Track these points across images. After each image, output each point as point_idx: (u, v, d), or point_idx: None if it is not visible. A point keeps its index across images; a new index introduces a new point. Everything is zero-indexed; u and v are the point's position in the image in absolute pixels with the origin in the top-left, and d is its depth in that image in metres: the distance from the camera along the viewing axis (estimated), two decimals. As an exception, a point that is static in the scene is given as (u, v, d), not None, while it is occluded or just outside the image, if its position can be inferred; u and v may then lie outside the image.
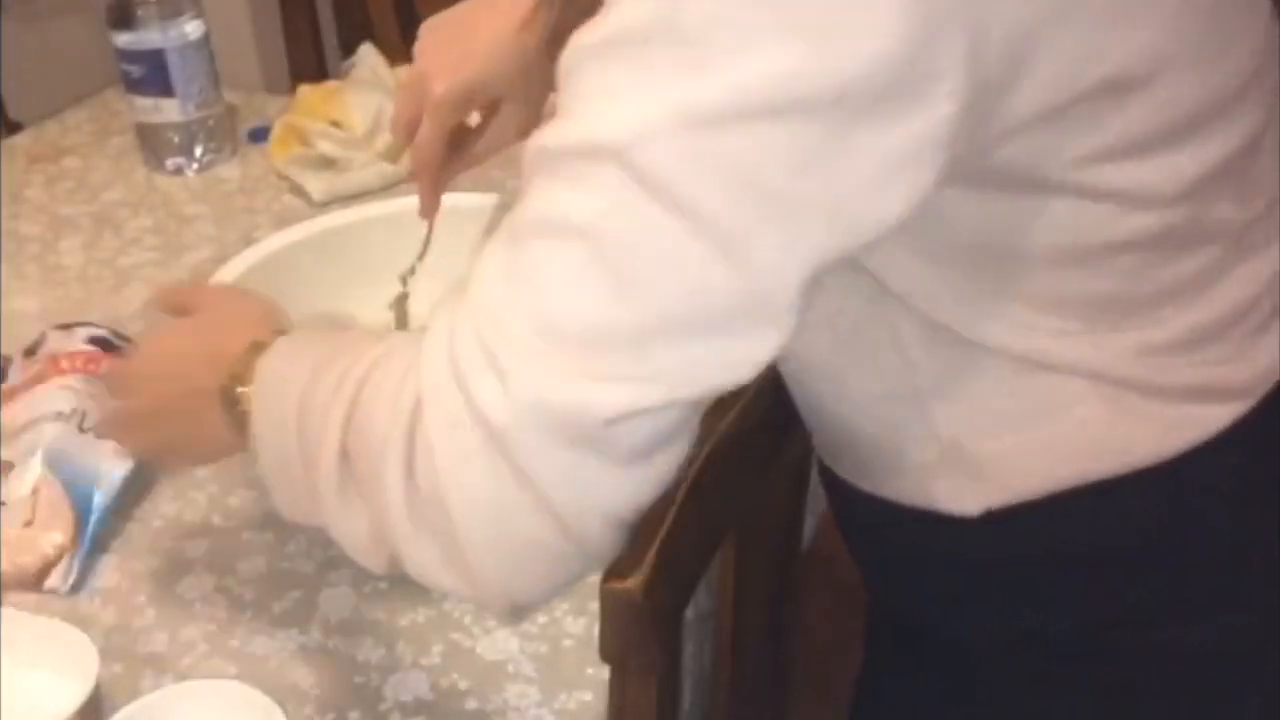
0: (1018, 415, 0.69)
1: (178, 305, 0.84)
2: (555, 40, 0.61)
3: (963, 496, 0.72)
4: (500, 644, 0.86)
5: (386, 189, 1.40)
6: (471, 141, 1.00)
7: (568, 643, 0.86)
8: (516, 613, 0.68)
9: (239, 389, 0.72)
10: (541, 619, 0.87)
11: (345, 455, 0.65)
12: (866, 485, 0.77)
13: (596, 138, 0.57)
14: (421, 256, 1.04)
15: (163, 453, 0.85)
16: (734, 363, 0.59)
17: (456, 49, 0.96)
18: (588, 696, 0.82)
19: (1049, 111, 0.60)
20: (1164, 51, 0.61)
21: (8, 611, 0.87)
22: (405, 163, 1.42)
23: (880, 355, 0.70)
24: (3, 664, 0.83)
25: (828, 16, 0.53)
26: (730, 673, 0.94)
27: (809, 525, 1.11)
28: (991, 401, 0.69)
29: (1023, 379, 0.68)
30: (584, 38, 0.58)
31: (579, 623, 0.87)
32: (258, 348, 0.73)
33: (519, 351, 0.58)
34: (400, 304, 1.05)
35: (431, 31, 0.98)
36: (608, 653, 0.71)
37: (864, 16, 0.53)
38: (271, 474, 0.72)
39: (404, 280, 1.05)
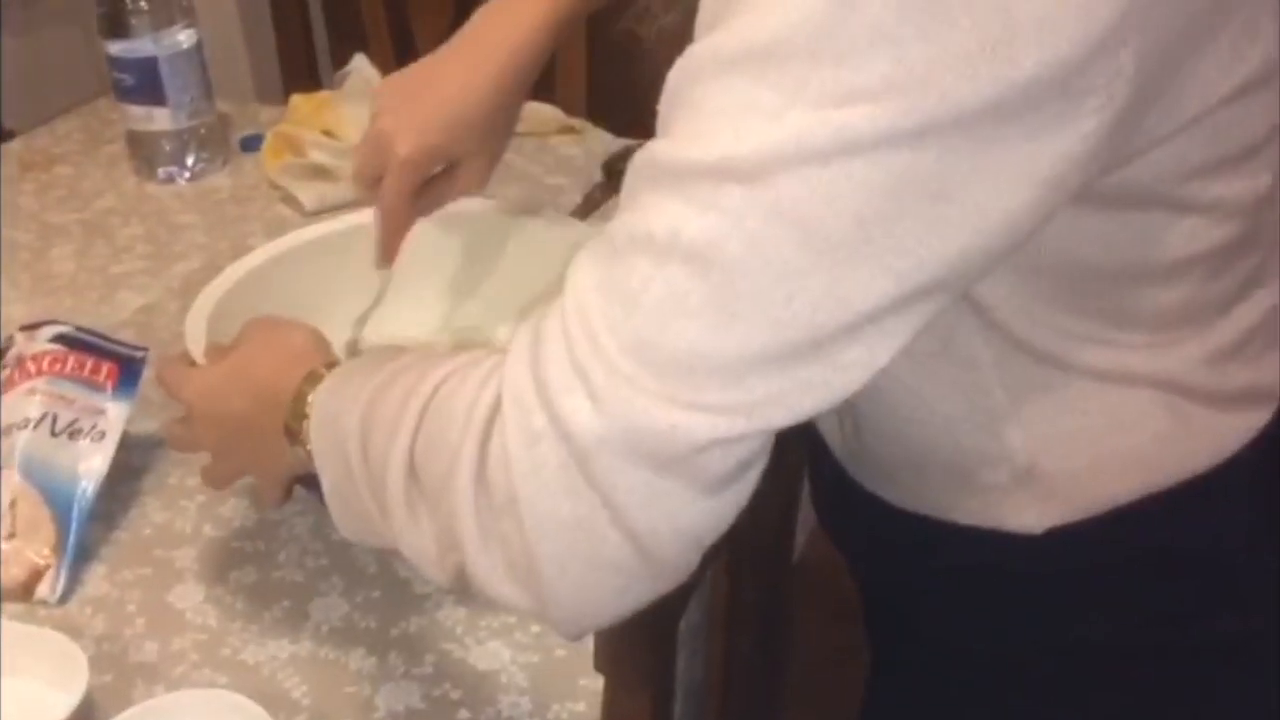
0: (1090, 433, 0.70)
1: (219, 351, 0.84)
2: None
3: (1027, 515, 0.73)
4: (492, 654, 0.86)
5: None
6: (429, 191, 1.00)
7: (560, 653, 0.85)
8: (579, 634, 0.66)
9: (302, 423, 0.73)
10: (534, 629, 0.87)
11: (413, 468, 0.64)
12: (923, 506, 0.77)
13: (726, 159, 0.54)
14: (377, 304, 1.04)
15: (234, 477, 0.86)
16: (830, 389, 0.57)
17: (421, 108, 0.94)
18: (580, 707, 0.82)
19: (1185, 124, 0.60)
20: (1276, 59, 0.62)
21: (-3, 621, 0.87)
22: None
23: (960, 375, 0.70)
24: (-8, 673, 0.82)
25: (996, 27, 0.51)
26: (722, 685, 0.95)
27: (799, 540, 1.11)
28: (1066, 421, 0.70)
29: (1096, 395, 0.69)
30: (710, 46, 0.55)
31: (571, 633, 0.87)
32: (313, 379, 0.73)
33: (611, 372, 0.57)
34: (352, 351, 1.04)
35: (392, 88, 0.97)
36: (602, 663, 0.71)
37: (1041, 28, 0.51)
38: (334, 499, 0.72)
39: (358, 325, 1.04)
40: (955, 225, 0.54)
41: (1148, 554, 0.73)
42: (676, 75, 0.57)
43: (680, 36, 0.58)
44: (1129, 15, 0.53)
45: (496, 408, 0.60)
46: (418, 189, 0.98)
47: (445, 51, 0.97)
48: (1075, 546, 0.73)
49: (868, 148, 0.52)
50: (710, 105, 0.55)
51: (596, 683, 0.82)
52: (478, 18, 0.97)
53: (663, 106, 0.58)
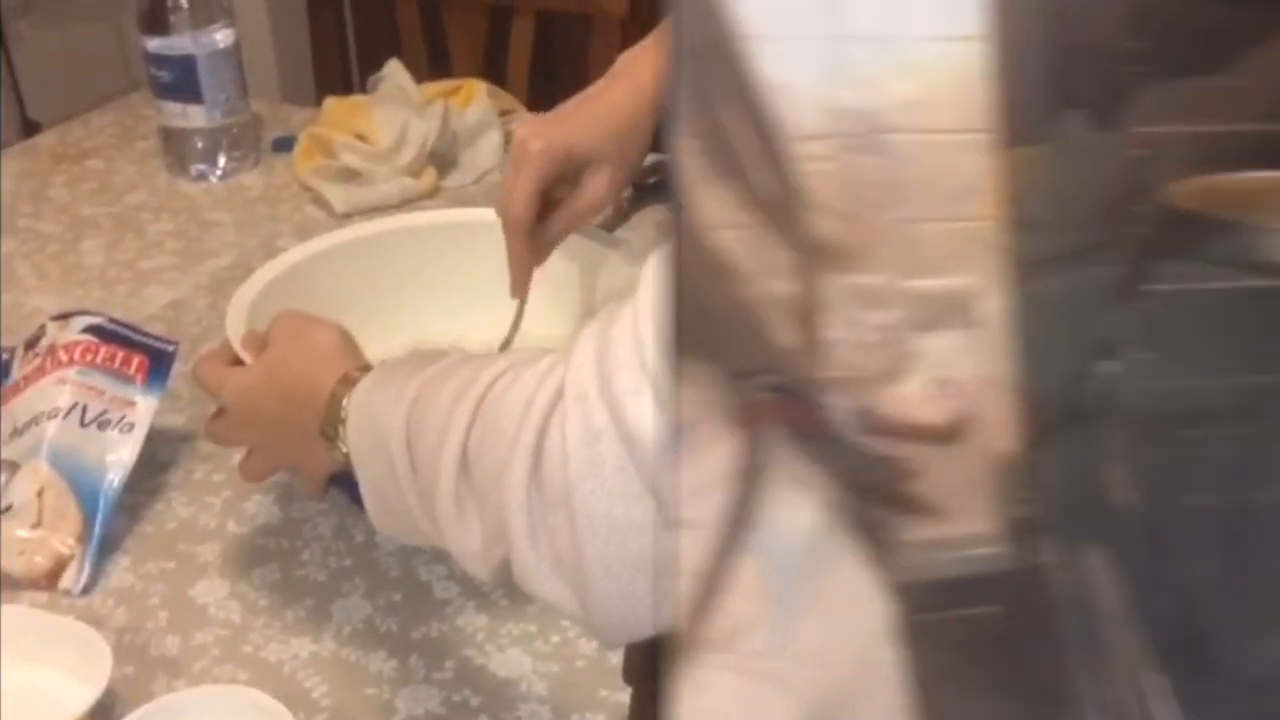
0: None
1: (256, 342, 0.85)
2: None
3: None
4: (513, 662, 0.86)
5: (408, 204, 1.41)
6: (563, 207, 1.00)
7: (581, 664, 0.86)
8: (618, 641, 0.66)
9: (338, 426, 0.73)
10: (555, 638, 0.87)
11: (465, 462, 0.64)
12: None
13: None
14: (515, 329, 1.04)
15: (270, 472, 0.88)
16: None
17: (559, 115, 0.98)
18: (600, 718, 0.82)
19: None
20: None
21: (23, 609, 0.87)
22: (427, 179, 1.44)
23: None
24: (16, 662, 0.82)
25: None
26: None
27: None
28: None
29: None
30: None
31: (592, 644, 0.87)
32: (347, 381, 0.74)
33: None
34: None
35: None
36: (631, 675, 0.71)
37: None
38: (373, 497, 0.72)
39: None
40: None
41: None
42: None
43: None
44: None
45: (556, 402, 0.60)
46: (545, 195, 0.98)
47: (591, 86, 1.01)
48: None
49: None
50: None
51: (617, 695, 0.82)
52: (620, 59, 1.01)
53: None
